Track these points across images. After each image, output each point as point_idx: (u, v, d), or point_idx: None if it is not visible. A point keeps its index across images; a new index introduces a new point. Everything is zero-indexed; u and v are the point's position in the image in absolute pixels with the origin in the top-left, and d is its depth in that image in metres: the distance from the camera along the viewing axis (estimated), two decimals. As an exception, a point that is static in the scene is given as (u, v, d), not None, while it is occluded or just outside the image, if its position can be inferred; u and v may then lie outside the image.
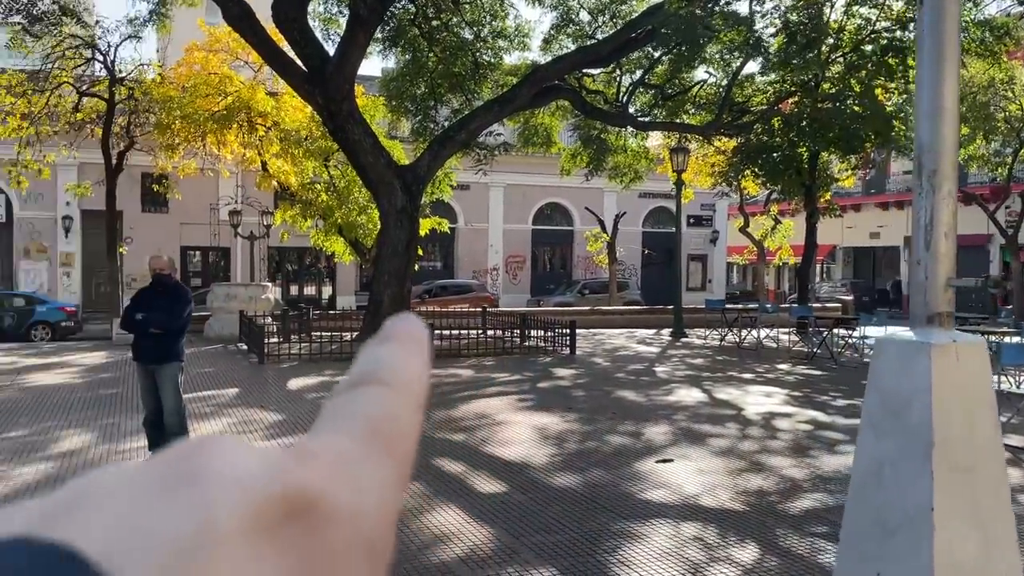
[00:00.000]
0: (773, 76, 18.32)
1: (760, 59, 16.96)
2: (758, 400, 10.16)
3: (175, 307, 6.55)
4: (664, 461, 7.01)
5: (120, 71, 19.06)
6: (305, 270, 31.82)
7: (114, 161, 19.15)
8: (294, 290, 30.71)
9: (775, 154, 18.66)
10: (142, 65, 19.59)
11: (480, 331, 17.42)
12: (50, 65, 18.14)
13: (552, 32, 19.34)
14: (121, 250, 20.38)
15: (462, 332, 15.27)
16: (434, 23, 17.82)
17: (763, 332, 16.76)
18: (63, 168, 22.59)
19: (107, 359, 13.29)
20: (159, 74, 19.60)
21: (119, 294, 19.50)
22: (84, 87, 19.19)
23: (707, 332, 18.91)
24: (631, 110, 19.62)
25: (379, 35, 16.89)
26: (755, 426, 8.60)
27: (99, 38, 18.95)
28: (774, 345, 16.64)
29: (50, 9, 16.62)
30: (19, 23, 16.46)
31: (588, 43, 18.30)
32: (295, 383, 11.31)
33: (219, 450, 0.25)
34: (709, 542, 5.03)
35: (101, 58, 18.78)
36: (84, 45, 18.56)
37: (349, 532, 0.25)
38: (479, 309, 20.42)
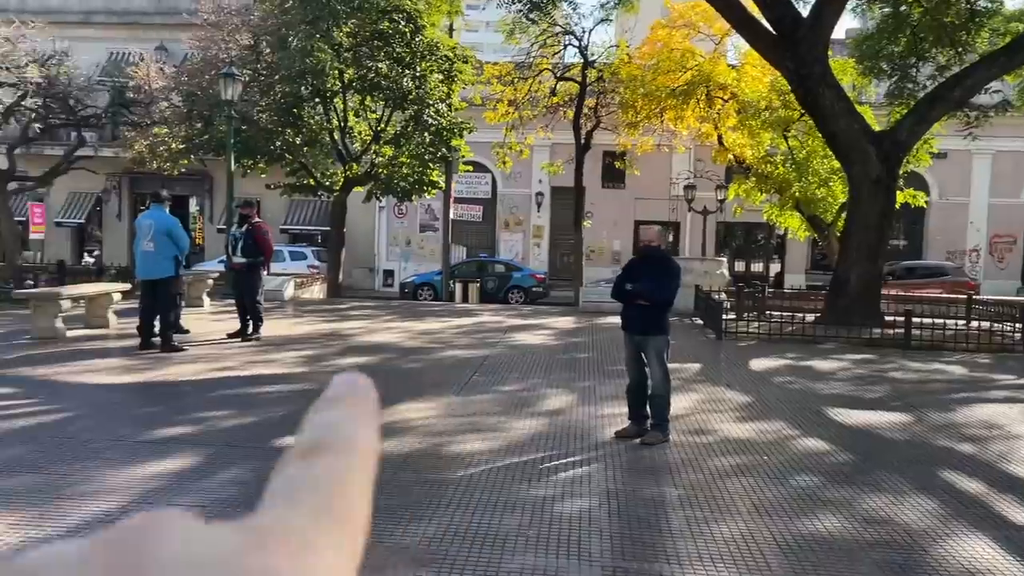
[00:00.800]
0: None
1: None
2: None
3: (662, 279, 6.48)
4: None
5: (591, 55, 20.32)
6: (753, 246, 31.04)
7: (582, 140, 20.53)
8: (739, 266, 30.17)
9: None
10: (611, 47, 20.63)
11: (965, 322, 15.04)
12: (534, 54, 20.04)
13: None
14: (585, 224, 21.90)
15: (947, 323, 13.24)
16: (924, -32, 15.64)
17: None
18: (538, 148, 25.01)
19: (576, 324, 14.26)
20: (626, 54, 20.44)
21: (582, 264, 20.99)
22: (560, 73, 20.87)
23: None
24: None
25: (854, -10, 15.37)
26: None
27: (575, 24, 20.41)
28: None
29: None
30: (519, 10, 18.40)
31: None
32: (757, 364, 10.82)
33: (171, 533, 0.24)
34: None
35: (576, 43, 20.20)
36: (563, 32, 20.15)
37: None
38: (959, 296, 17.69)
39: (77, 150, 20.05)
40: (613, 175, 27.22)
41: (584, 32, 20.75)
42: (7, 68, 17.83)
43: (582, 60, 20.37)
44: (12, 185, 19.34)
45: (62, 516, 4.56)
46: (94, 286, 13.16)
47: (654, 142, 22.01)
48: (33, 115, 19.39)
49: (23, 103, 18.57)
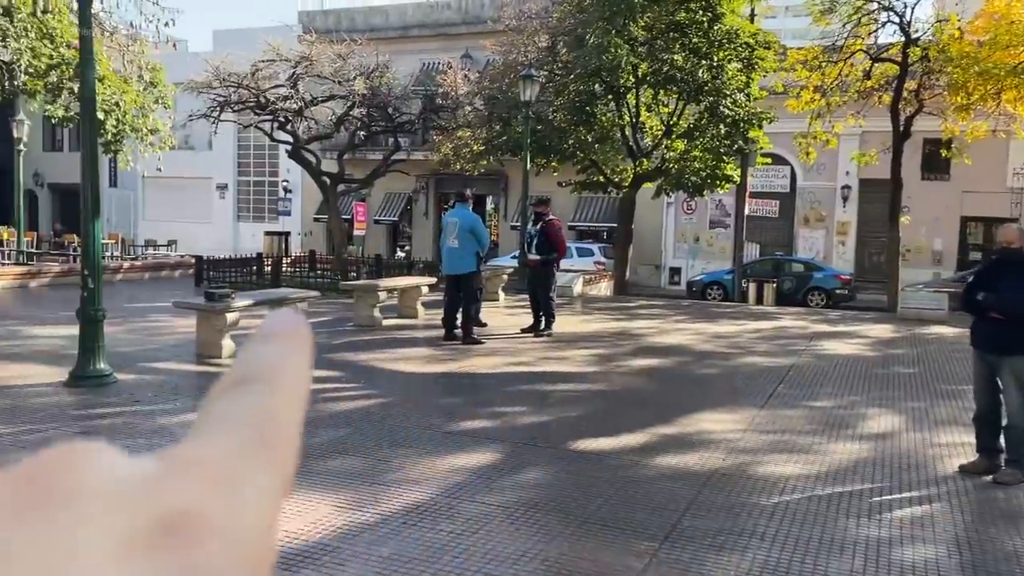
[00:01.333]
0: None
1: None
2: None
3: (1023, 288, 5.38)
4: None
5: (914, 31, 18.14)
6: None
7: (901, 127, 18.42)
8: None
9: None
10: (940, 21, 18.25)
11: None
12: (846, 35, 18.34)
13: None
14: (903, 219, 19.61)
15: None
16: None
17: None
18: (846, 138, 22.89)
19: (894, 334, 12.63)
20: (957, 29, 17.95)
21: (897, 265, 18.83)
22: (876, 53, 18.90)
23: None
24: None
25: None
26: None
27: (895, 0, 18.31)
28: None
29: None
30: None
31: None
32: None
33: (91, 462, 0.23)
34: None
35: (896, 20, 18.13)
36: (880, 8, 18.20)
37: (230, 546, 0.23)
38: None
39: (394, 154, 21.94)
40: (935, 165, 24.15)
41: (906, 7, 18.43)
42: (339, 82, 19.96)
43: (903, 38, 18.19)
44: (340, 187, 21.64)
45: (378, 502, 4.75)
46: (406, 279, 14.24)
47: (988, 127, 19.10)
48: (359, 124, 21.52)
49: (351, 113, 20.69)
